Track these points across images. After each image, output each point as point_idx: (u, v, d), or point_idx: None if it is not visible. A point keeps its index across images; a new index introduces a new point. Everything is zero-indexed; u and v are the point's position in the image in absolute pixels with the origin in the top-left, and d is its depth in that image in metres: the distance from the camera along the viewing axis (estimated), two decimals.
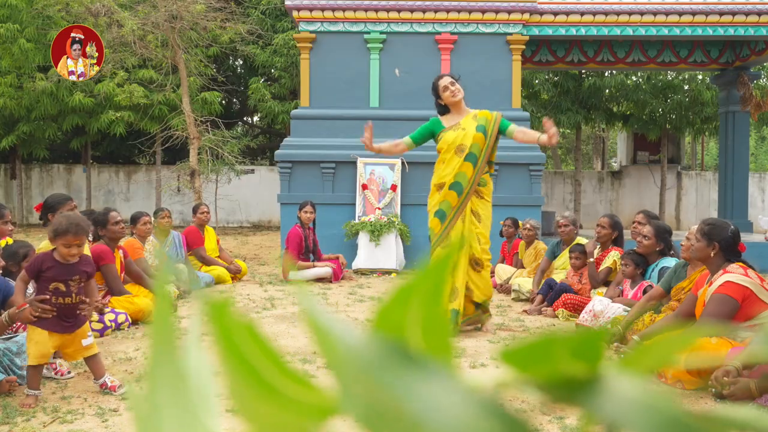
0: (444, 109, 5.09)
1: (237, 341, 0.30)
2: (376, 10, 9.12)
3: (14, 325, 3.69)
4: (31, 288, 3.60)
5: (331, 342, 0.29)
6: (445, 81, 5.02)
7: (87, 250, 5.06)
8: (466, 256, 4.91)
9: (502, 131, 4.98)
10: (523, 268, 7.05)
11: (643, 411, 0.27)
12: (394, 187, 8.73)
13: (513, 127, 4.97)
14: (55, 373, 3.77)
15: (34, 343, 3.36)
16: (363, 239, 8.35)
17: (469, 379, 0.29)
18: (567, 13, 9.22)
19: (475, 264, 4.94)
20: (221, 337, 0.30)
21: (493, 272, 7.55)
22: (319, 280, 7.50)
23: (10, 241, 4.65)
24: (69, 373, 3.83)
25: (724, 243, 3.84)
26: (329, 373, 0.28)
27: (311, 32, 9.23)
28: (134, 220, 6.44)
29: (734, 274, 3.72)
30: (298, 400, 0.30)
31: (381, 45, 9.23)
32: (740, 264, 3.80)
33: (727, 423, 0.27)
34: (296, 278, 7.46)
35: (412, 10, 9.13)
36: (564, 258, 6.42)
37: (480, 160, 4.90)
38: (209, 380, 0.32)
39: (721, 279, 3.73)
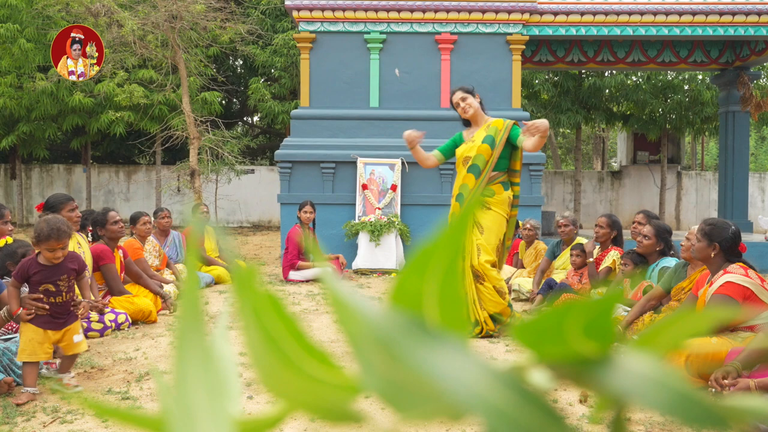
0: (466, 122, 5.09)
1: (260, 314, 0.30)
2: (376, 10, 9.12)
3: (12, 324, 3.71)
4: (25, 287, 3.62)
5: (351, 316, 0.29)
6: (456, 97, 4.98)
7: (87, 249, 5.07)
8: (468, 267, 4.84)
9: (513, 140, 4.84)
10: (523, 268, 7.05)
11: (654, 387, 0.27)
12: (394, 187, 8.73)
13: (522, 138, 4.77)
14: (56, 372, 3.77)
15: (28, 340, 3.41)
16: (363, 239, 8.35)
17: (483, 354, 0.29)
18: (567, 13, 9.22)
19: (476, 277, 4.87)
20: (245, 309, 0.30)
21: None
22: (320, 280, 7.49)
23: (9, 240, 4.65)
24: (69, 372, 3.83)
25: (724, 243, 3.84)
26: (349, 348, 0.29)
27: (311, 32, 9.23)
28: (134, 220, 6.44)
29: (735, 274, 3.71)
30: (320, 378, 0.30)
31: (381, 45, 9.23)
32: (741, 264, 3.80)
33: (737, 408, 0.27)
34: (296, 278, 7.46)
35: (412, 10, 9.13)
36: (564, 258, 6.42)
37: (484, 171, 4.82)
38: (234, 363, 0.32)
39: (721, 279, 3.73)
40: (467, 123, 5.08)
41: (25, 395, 3.33)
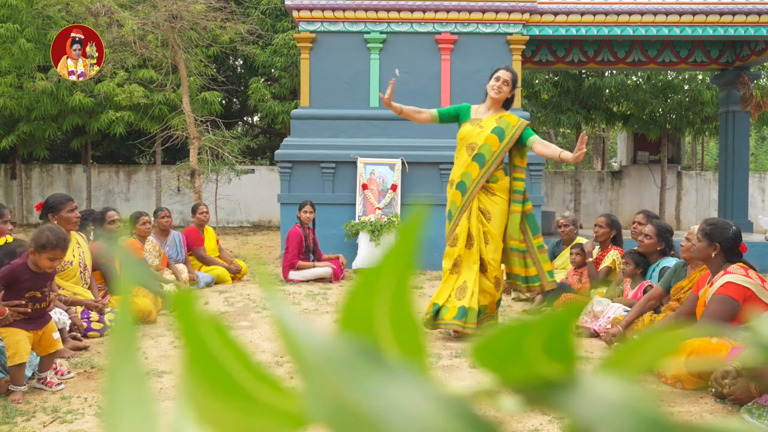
0: (484, 97, 4.95)
1: (202, 338, 0.29)
2: (376, 10, 9.12)
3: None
4: None
5: (297, 344, 0.28)
6: (501, 74, 4.84)
7: (86, 248, 5.08)
8: (477, 254, 4.72)
9: (523, 140, 4.77)
10: None
11: (621, 413, 0.26)
12: (394, 187, 8.73)
13: (535, 138, 4.73)
14: (56, 373, 3.77)
15: (14, 342, 3.43)
16: (363, 239, 8.35)
17: (440, 380, 0.28)
18: (567, 13, 9.22)
19: (480, 265, 4.75)
20: (185, 334, 0.29)
21: None
22: (319, 280, 7.50)
23: (9, 239, 4.66)
24: (69, 373, 3.84)
25: (725, 243, 3.83)
26: (297, 376, 0.28)
27: (311, 32, 9.22)
28: (133, 220, 6.44)
29: (735, 274, 3.71)
30: (269, 404, 0.29)
31: (381, 45, 9.23)
32: (741, 264, 3.80)
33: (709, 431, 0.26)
34: (296, 278, 7.46)
35: (412, 10, 9.13)
36: (564, 258, 6.42)
37: (489, 163, 4.71)
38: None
39: (722, 279, 3.73)
40: (484, 97, 4.93)
41: (18, 394, 3.38)
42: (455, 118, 4.97)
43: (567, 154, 4.57)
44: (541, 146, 4.73)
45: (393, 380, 0.27)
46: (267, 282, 0.30)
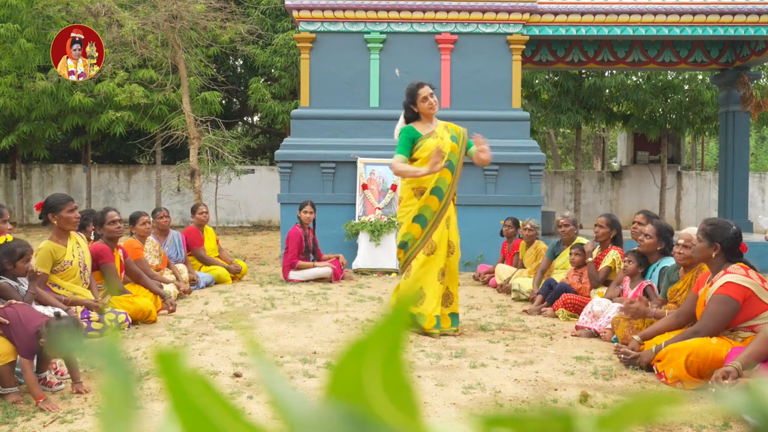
0: (414, 116, 5.06)
1: (191, 396, 0.29)
2: (376, 10, 9.12)
3: None
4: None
5: (288, 413, 0.28)
6: (426, 91, 5.01)
7: (86, 248, 5.07)
8: (457, 262, 5.06)
9: (467, 148, 5.09)
10: (524, 268, 7.05)
11: None
12: (394, 187, 8.73)
13: (474, 149, 5.04)
14: (55, 373, 3.77)
15: None
16: (363, 239, 8.35)
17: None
18: (567, 13, 9.22)
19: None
20: (174, 392, 0.29)
21: (493, 272, 7.56)
22: (319, 280, 7.50)
23: (9, 238, 4.66)
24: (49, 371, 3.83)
25: (725, 243, 3.83)
26: None
27: (311, 32, 9.22)
28: (133, 220, 6.44)
29: (735, 274, 3.71)
30: None
31: (381, 45, 9.23)
32: (741, 264, 3.80)
33: None
34: (296, 278, 7.45)
35: (412, 10, 9.13)
36: (564, 258, 6.42)
37: (456, 168, 4.99)
38: None
39: (722, 279, 3.73)
40: (414, 117, 5.06)
41: (13, 395, 3.38)
42: (412, 141, 5.04)
43: (480, 156, 4.91)
44: (478, 157, 5.00)
45: None
46: (254, 347, 0.30)
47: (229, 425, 0.29)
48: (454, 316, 5.00)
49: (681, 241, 4.43)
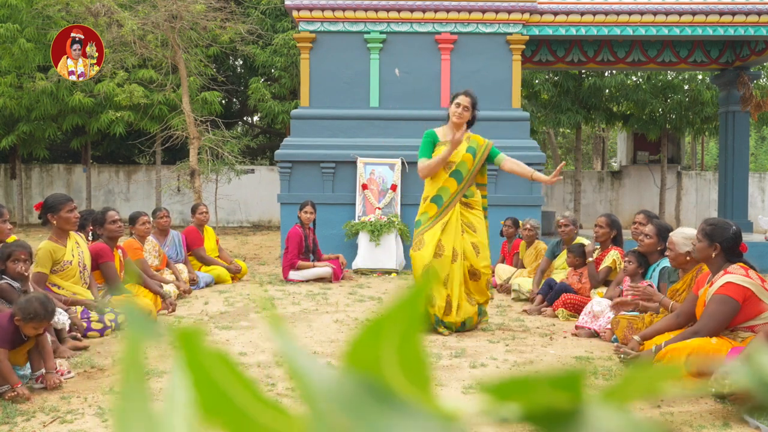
0: (446, 119, 5.19)
1: (210, 371, 0.29)
2: (376, 10, 9.12)
3: None
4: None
5: (306, 382, 0.28)
6: (461, 100, 5.06)
7: (85, 248, 5.08)
8: (462, 270, 5.00)
9: (490, 159, 5.12)
10: (524, 268, 7.05)
11: None
12: (394, 187, 8.73)
13: (503, 157, 5.10)
14: (56, 372, 3.77)
15: None
16: (363, 239, 8.35)
17: (446, 412, 0.28)
18: (567, 13, 9.22)
19: (472, 275, 5.06)
20: (193, 367, 0.29)
21: (493, 272, 7.56)
22: (319, 279, 7.50)
23: (13, 238, 4.67)
24: (69, 373, 3.83)
25: (725, 243, 3.83)
26: (305, 413, 0.28)
27: (311, 32, 9.22)
28: (132, 220, 6.43)
29: (735, 274, 3.71)
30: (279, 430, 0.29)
31: (381, 45, 9.23)
32: (741, 264, 3.79)
33: None
34: (296, 278, 7.45)
35: (412, 10, 9.13)
36: (564, 258, 6.42)
37: (465, 179, 5.02)
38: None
39: (722, 279, 3.73)
40: (446, 120, 5.16)
41: (10, 393, 3.38)
42: (433, 144, 5.14)
43: (540, 176, 5.04)
44: (511, 164, 5.10)
45: (399, 417, 0.27)
46: (274, 320, 0.31)
47: (249, 402, 0.29)
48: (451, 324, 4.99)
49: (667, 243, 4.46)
